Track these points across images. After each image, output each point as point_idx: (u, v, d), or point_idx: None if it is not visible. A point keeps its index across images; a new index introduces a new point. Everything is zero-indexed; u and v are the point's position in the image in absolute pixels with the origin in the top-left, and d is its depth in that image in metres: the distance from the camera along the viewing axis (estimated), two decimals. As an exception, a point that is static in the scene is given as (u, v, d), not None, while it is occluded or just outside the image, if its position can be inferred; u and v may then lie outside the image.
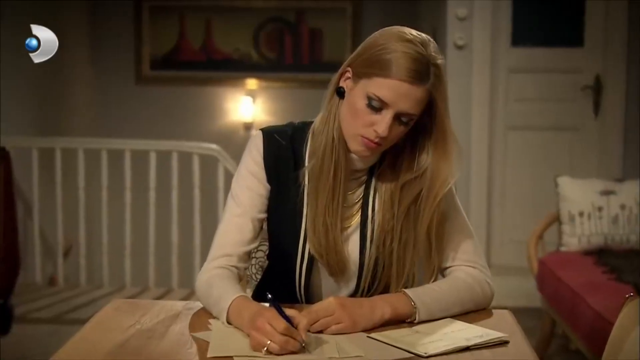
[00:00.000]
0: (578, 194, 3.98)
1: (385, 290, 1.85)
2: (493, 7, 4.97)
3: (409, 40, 1.68)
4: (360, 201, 1.85)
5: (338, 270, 1.84)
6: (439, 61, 1.70)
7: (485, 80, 5.01)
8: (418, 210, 1.79)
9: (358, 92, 1.72)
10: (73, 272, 5.21)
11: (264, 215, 1.88)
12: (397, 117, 1.70)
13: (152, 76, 6.72)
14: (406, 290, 1.73)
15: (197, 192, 4.88)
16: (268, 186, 1.86)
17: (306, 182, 1.81)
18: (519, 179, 5.14)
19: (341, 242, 1.82)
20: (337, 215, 1.80)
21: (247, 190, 1.85)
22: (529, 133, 5.12)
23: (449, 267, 1.88)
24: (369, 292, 1.85)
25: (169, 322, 1.68)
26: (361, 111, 1.71)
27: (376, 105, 1.69)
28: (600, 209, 3.94)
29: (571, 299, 3.45)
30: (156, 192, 4.90)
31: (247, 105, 6.74)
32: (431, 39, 1.73)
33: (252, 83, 6.74)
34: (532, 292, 4.15)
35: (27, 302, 4.56)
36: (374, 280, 1.85)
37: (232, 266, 1.82)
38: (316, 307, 1.65)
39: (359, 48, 1.76)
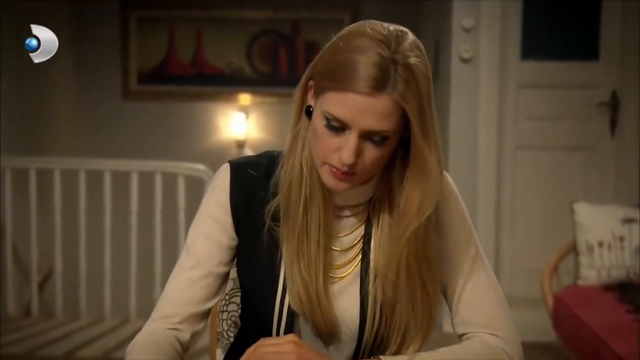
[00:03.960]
0: (597, 222, 3.75)
1: None
2: (501, 18, 4.74)
3: (371, 38, 1.35)
4: (360, 244, 1.52)
5: (326, 332, 1.50)
6: (412, 60, 1.34)
7: (493, 96, 4.78)
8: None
9: (317, 110, 1.40)
10: (50, 301, 4.99)
11: (225, 269, 1.56)
12: (367, 137, 1.37)
13: (140, 91, 6.58)
14: (382, 357, 1.43)
15: (182, 216, 4.64)
16: (234, 234, 1.54)
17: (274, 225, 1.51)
18: (529, 203, 4.90)
19: (329, 298, 1.49)
20: (318, 264, 1.48)
21: (204, 239, 1.54)
22: (540, 153, 4.89)
23: (465, 334, 1.53)
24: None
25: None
26: (322, 134, 1.39)
27: (336, 126, 1.36)
28: (621, 238, 3.70)
29: (592, 342, 3.20)
30: (138, 216, 4.68)
31: (240, 122, 6.61)
32: (407, 32, 1.39)
33: (245, 98, 6.59)
34: (546, 326, 3.93)
35: (-2, 335, 4.32)
36: (376, 344, 1.51)
37: (171, 329, 1.51)
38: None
39: (319, 54, 1.44)
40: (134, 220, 4.67)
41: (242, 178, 1.53)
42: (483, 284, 1.53)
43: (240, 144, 6.52)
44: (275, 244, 1.50)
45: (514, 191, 4.89)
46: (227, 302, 1.82)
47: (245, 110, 6.58)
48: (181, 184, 4.61)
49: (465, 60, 4.74)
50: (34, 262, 4.75)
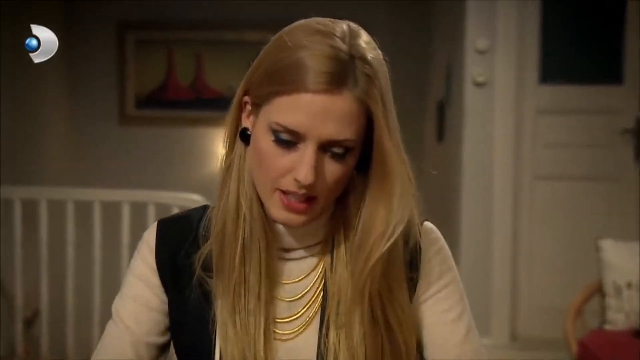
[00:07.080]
0: (624, 261, 3.55)
1: None
2: (518, 39, 4.58)
3: (319, 32, 1.14)
4: (316, 291, 1.26)
5: None
6: (371, 54, 1.15)
7: (509, 122, 4.62)
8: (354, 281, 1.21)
9: (260, 127, 1.18)
10: (36, 339, 4.73)
11: (157, 339, 1.33)
12: (326, 149, 1.15)
13: (137, 116, 6.43)
14: None
15: (175, 250, 4.35)
16: (163, 295, 1.32)
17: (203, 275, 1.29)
18: (548, 236, 4.70)
19: None
20: (258, 321, 1.24)
21: (130, 303, 1.33)
22: (559, 183, 4.71)
23: None
24: None
25: None
26: (270, 154, 1.16)
27: (287, 139, 1.14)
28: (651, 279, 3.49)
29: (624, 397, 2.93)
30: (129, 249, 4.41)
31: (241, 148, 6.37)
32: (361, 29, 1.19)
33: (246, 124, 6.39)
34: (567, 371, 3.74)
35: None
36: None
37: None
38: None
39: (255, 60, 1.21)
40: (124, 253, 4.42)
41: (169, 233, 1.34)
42: (468, 336, 1.29)
43: (242, 172, 6.36)
44: (207, 299, 1.27)
45: (532, 223, 4.71)
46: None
47: (247, 135, 6.43)
48: (175, 216, 4.38)
49: (479, 85, 4.58)
50: (19, 298, 4.54)
